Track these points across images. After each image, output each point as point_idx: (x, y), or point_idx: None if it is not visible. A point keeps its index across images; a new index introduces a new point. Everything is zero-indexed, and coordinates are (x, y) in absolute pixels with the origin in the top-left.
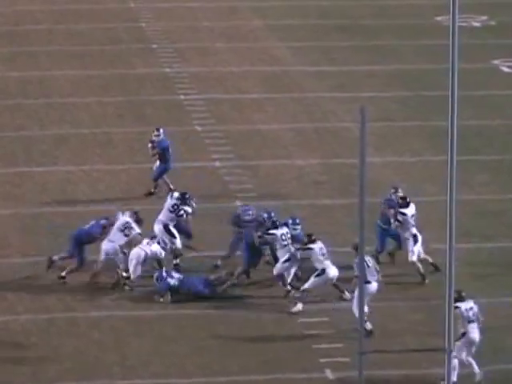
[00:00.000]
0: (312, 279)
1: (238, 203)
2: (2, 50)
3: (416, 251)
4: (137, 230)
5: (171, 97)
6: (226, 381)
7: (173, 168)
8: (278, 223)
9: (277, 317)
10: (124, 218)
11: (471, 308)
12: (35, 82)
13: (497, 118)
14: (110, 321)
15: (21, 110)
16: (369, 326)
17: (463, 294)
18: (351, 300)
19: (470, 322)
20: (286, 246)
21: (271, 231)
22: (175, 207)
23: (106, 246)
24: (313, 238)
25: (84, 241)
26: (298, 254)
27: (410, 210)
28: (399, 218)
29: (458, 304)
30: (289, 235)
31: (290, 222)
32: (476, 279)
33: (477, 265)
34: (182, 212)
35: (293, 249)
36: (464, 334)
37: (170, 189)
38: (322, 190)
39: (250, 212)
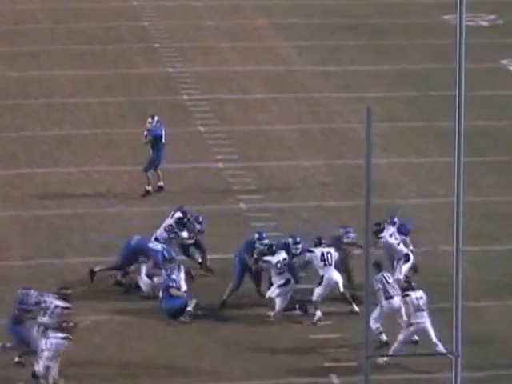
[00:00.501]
0: (316, 291)
1: (242, 205)
2: (2, 50)
3: (403, 270)
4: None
5: (174, 97)
6: None
7: (163, 162)
8: (274, 248)
9: (281, 321)
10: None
11: (421, 297)
12: (36, 82)
13: (504, 119)
14: (111, 325)
15: (21, 111)
16: (384, 337)
17: (413, 284)
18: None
19: (419, 310)
20: (281, 273)
21: (267, 258)
22: (170, 228)
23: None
24: (322, 241)
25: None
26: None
27: (387, 232)
28: (380, 243)
29: (408, 292)
30: (286, 261)
31: (291, 241)
32: (483, 282)
33: (484, 267)
34: (173, 235)
35: (289, 275)
36: (412, 324)
37: (147, 191)
38: (327, 191)
39: (351, 234)
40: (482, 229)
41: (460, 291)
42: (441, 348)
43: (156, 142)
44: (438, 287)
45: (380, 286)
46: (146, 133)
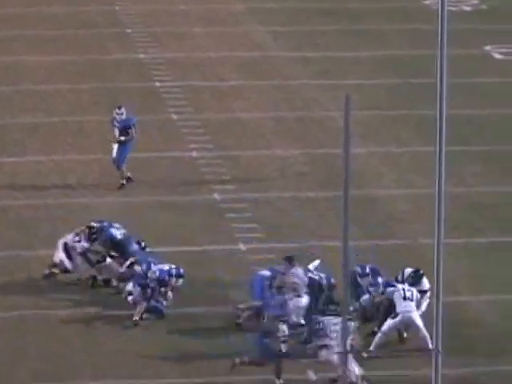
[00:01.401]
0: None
1: (216, 196)
2: None
3: None
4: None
5: (146, 84)
6: (204, 382)
7: (131, 152)
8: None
9: None
10: None
11: (409, 290)
12: (6, 68)
13: (487, 107)
14: (82, 319)
15: None
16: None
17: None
18: None
19: (405, 299)
20: None
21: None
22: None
23: None
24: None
25: None
26: None
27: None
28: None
29: (395, 284)
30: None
31: (359, 270)
32: (466, 275)
33: (467, 260)
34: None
35: None
36: (397, 315)
37: (129, 178)
38: (304, 181)
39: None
40: (465, 220)
41: (441, 285)
42: (428, 341)
43: (124, 133)
44: None
45: (296, 280)
46: (116, 129)
